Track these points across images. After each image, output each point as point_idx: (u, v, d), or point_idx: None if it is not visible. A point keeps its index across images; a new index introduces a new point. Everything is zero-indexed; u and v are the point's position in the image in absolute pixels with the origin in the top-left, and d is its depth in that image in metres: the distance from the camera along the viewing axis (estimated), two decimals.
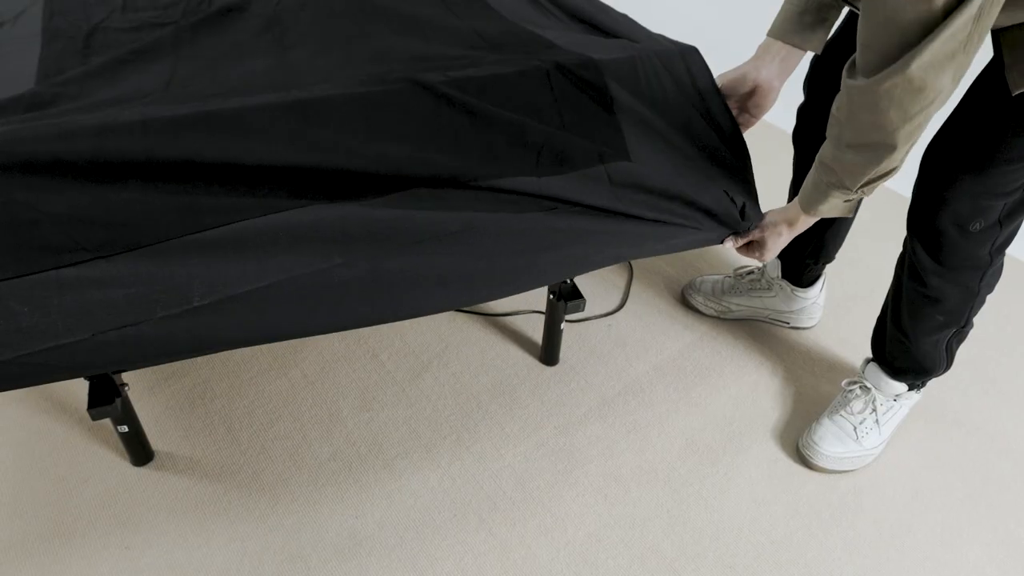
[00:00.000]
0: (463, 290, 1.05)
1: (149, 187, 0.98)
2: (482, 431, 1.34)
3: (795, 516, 1.24)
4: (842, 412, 1.31)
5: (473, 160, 1.09)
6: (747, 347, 1.52)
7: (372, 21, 1.54)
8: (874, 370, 1.30)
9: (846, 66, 0.91)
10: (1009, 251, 1.76)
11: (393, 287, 1.02)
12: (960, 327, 1.22)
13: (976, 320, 1.56)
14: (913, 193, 1.12)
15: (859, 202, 1.09)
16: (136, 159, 1.01)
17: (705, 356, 1.50)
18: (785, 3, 1.15)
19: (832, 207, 1.06)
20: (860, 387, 1.32)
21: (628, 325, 1.55)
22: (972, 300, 1.18)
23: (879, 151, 0.93)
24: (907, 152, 0.94)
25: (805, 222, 1.13)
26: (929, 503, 1.27)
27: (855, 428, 1.29)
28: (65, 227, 0.93)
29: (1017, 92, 0.92)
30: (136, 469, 1.26)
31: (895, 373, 1.28)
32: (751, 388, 1.44)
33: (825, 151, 1.02)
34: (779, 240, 1.16)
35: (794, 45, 1.15)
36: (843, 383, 1.35)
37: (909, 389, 1.30)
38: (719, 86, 1.21)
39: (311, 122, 1.09)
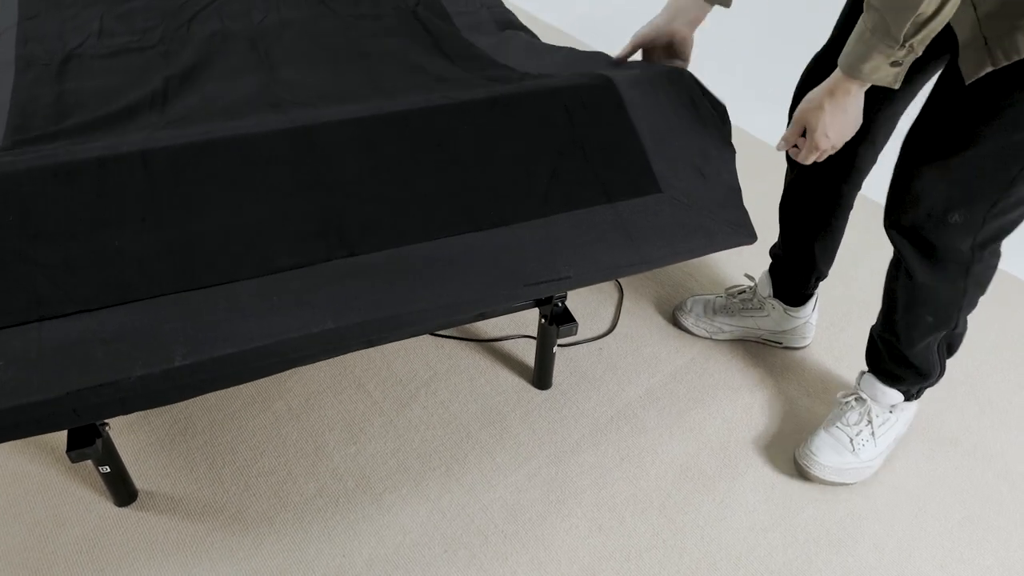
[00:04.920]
0: (457, 314, 1.02)
1: (145, 236, 0.95)
2: (472, 462, 1.31)
3: (793, 543, 1.22)
4: (838, 424, 1.31)
5: (479, 204, 1.06)
6: (740, 369, 1.49)
7: (359, 46, 1.53)
8: (869, 380, 1.30)
9: None
10: (1005, 267, 1.77)
11: (384, 333, 0.99)
12: (951, 329, 1.21)
13: (973, 338, 1.56)
14: (889, 187, 1.14)
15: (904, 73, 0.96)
16: (134, 204, 0.98)
17: (698, 379, 1.47)
18: None
19: (876, 68, 0.94)
20: (856, 399, 1.32)
21: (619, 348, 1.53)
22: (961, 300, 1.16)
23: None
24: None
25: (846, 90, 1.00)
26: (928, 526, 1.25)
27: (851, 440, 1.29)
28: (56, 278, 0.90)
29: (970, 81, 0.95)
30: (114, 510, 1.22)
31: (889, 380, 1.28)
32: (745, 411, 1.42)
33: None
34: (823, 117, 1.03)
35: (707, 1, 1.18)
36: (839, 395, 1.34)
37: (905, 399, 1.29)
38: (635, 43, 1.24)
39: (313, 154, 1.07)
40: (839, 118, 1.03)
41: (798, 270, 1.44)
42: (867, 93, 1.10)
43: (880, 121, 1.22)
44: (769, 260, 1.54)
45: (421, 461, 1.31)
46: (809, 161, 1.09)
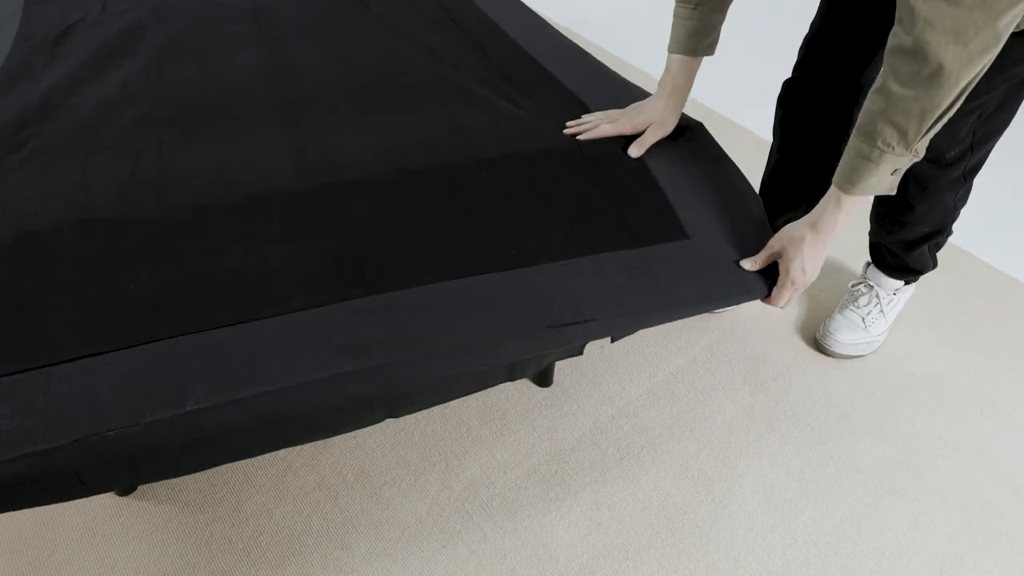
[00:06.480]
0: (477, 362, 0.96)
1: (160, 278, 0.94)
2: (472, 458, 1.31)
3: (792, 545, 1.21)
4: (851, 307, 1.52)
5: (500, 244, 1.03)
6: (742, 369, 1.49)
7: (364, 20, 1.52)
8: (874, 271, 1.51)
9: None
10: (1005, 269, 1.76)
11: (403, 398, 0.94)
12: (942, 236, 1.41)
13: (973, 341, 1.56)
14: None
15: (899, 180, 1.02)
16: (150, 248, 0.97)
17: (699, 379, 1.47)
18: (676, 28, 1.18)
19: (880, 180, 0.98)
20: (864, 286, 1.53)
21: (621, 347, 1.52)
22: (950, 215, 1.36)
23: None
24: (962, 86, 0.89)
25: (832, 221, 1.03)
26: (928, 531, 1.24)
27: (863, 319, 1.51)
28: (69, 323, 0.88)
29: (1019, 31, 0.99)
30: (115, 500, 1.23)
31: (890, 272, 1.49)
32: (745, 411, 1.41)
33: (878, 107, 0.95)
34: (803, 248, 1.03)
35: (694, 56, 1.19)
36: (849, 284, 1.55)
37: (905, 284, 1.51)
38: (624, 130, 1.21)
39: (330, 194, 1.07)
40: (819, 251, 1.05)
41: (793, 203, 1.49)
42: (863, 48, 1.24)
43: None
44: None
45: (421, 456, 1.31)
46: (783, 304, 1.06)
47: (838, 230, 1.04)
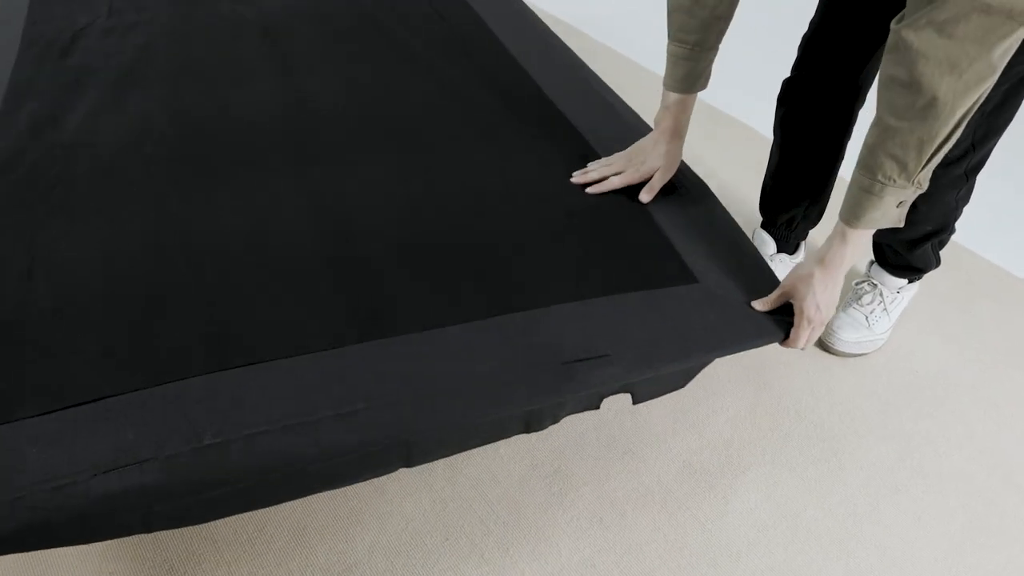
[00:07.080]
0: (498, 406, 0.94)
1: (182, 324, 0.97)
2: (475, 453, 1.32)
3: (794, 542, 1.22)
4: (854, 305, 1.52)
5: (512, 286, 1.05)
6: (746, 367, 1.50)
7: (371, 42, 1.54)
8: (877, 270, 1.52)
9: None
10: (1008, 268, 1.76)
11: (417, 447, 0.95)
12: (945, 233, 1.41)
13: (977, 341, 1.56)
14: None
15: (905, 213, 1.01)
16: (174, 298, 1.00)
17: (702, 376, 1.46)
18: (673, 67, 1.17)
19: (885, 213, 0.97)
20: (868, 284, 1.53)
21: None
22: (952, 213, 1.37)
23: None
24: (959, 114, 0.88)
25: (840, 256, 1.01)
26: (930, 530, 1.25)
27: (866, 317, 1.50)
28: (93, 365, 0.91)
29: None
30: None
31: (893, 271, 1.50)
32: (749, 410, 1.42)
33: (876, 140, 0.94)
34: (813, 285, 1.02)
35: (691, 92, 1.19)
36: (853, 283, 1.55)
37: (909, 282, 1.51)
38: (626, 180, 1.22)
39: (345, 238, 1.10)
40: (831, 286, 1.03)
41: (794, 201, 1.51)
42: (861, 48, 1.24)
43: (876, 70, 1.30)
44: (757, 230, 1.63)
45: None
46: (802, 344, 1.05)
47: (847, 264, 1.02)
